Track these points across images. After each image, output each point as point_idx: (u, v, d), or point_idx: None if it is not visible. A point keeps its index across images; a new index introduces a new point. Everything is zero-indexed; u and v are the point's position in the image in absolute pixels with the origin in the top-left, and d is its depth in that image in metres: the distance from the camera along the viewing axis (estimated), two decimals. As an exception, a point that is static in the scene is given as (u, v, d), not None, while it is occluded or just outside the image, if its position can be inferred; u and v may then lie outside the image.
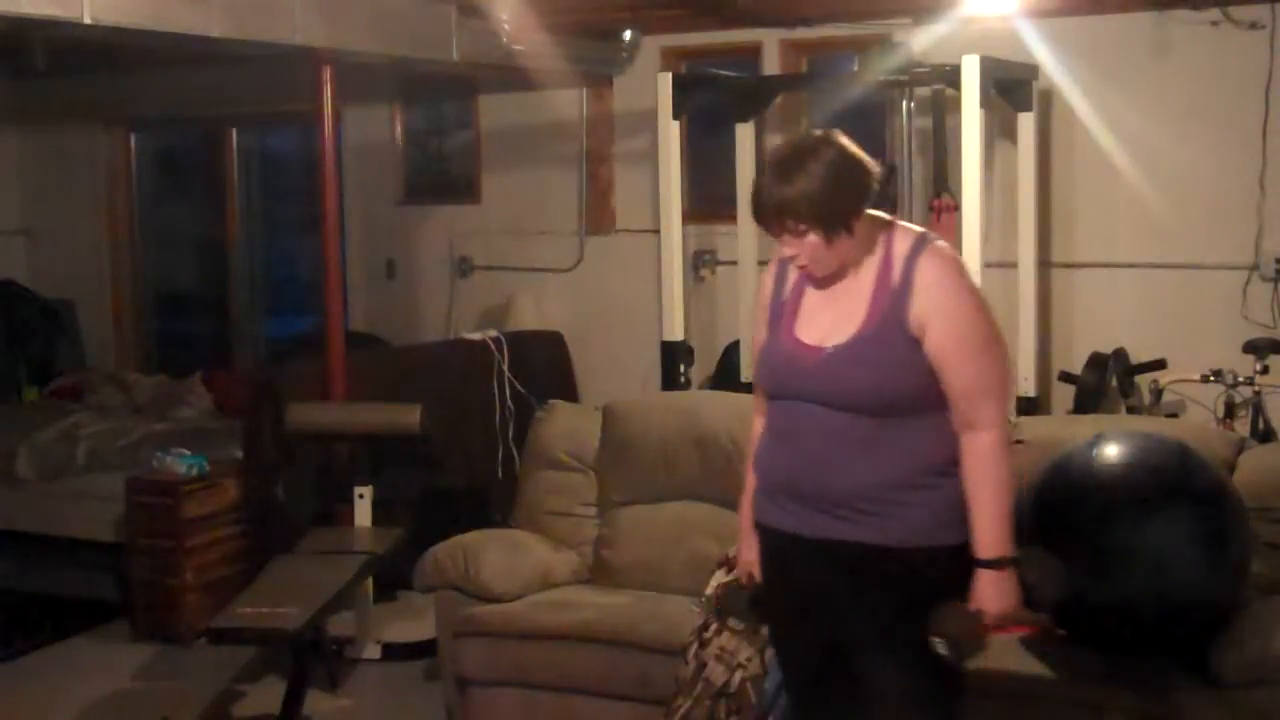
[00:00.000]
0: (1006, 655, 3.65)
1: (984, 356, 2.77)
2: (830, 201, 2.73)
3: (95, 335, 8.09)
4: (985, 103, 5.07)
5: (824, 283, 2.85)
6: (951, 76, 5.12)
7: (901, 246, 2.80)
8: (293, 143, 8.08)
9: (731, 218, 5.91)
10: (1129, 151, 5.64)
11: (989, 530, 2.74)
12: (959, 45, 5.39)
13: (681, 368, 5.73)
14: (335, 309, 5.45)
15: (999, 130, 5.72)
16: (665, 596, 4.23)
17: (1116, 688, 3.44)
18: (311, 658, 4.62)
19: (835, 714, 2.89)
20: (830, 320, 2.82)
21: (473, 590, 4.28)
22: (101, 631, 5.60)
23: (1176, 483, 3.56)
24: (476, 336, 6.27)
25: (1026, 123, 5.55)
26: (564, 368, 6.64)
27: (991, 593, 2.75)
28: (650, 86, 5.87)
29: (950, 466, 2.78)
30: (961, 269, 2.83)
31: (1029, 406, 5.48)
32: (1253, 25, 5.41)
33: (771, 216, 2.76)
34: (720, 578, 3.88)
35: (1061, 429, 4.18)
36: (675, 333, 5.75)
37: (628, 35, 6.32)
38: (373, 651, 5.18)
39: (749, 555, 3.07)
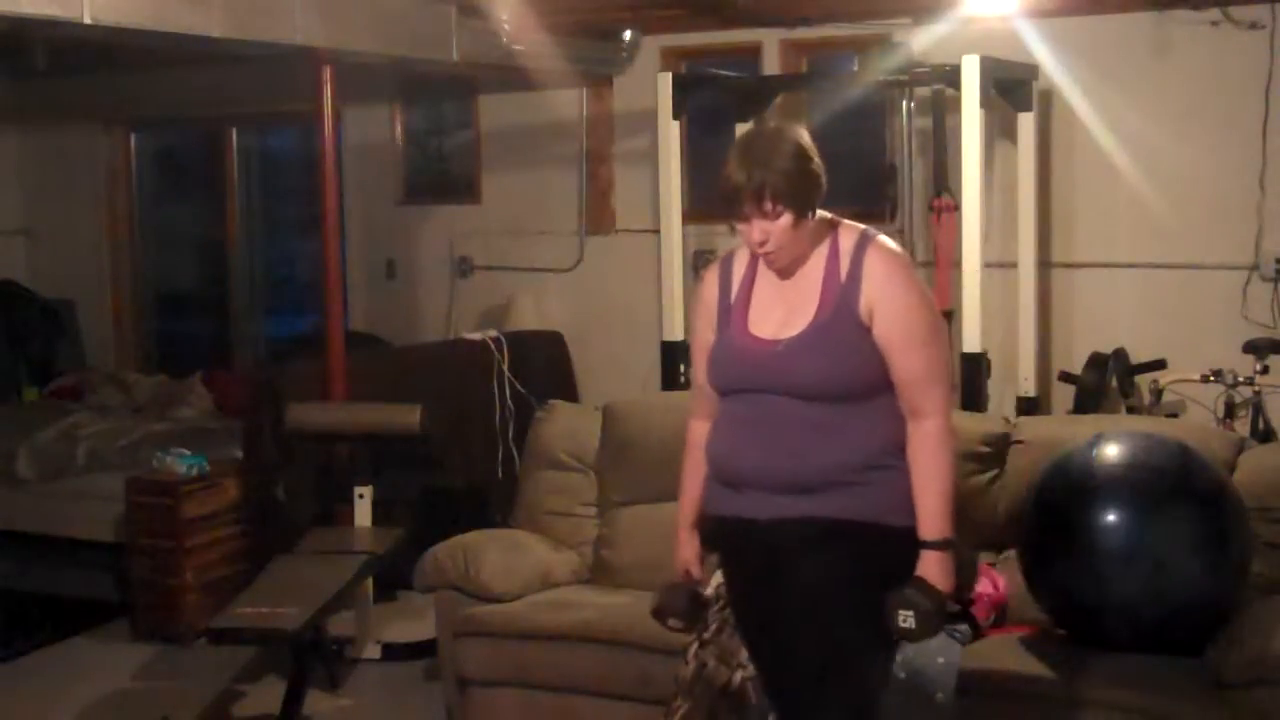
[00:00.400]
0: (1006, 655, 3.66)
1: (930, 346, 2.87)
2: (802, 181, 2.84)
3: (95, 335, 8.09)
4: (985, 103, 5.07)
5: (775, 277, 2.94)
6: (951, 76, 5.12)
7: (847, 242, 2.91)
8: (293, 143, 8.09)
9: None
10: (1129, 151, 5.64)
11: (936, 513, 2.84)
12: (959, 45, 5.40)
13: (681, 368, 5.73)
14: (335, 309, 5.46)
15: (999, 130, 5.72)
16: (665, 596, 4.23)
17: (1116, 688, 3.44)
18: (311, 658, 4.62)
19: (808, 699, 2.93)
20: (782, 315, 2.91)
21: (473, 590, 4.28)
22: (101, 631, 5.60)
23: (1176, 483, 3.57)
24: (476, 336, 6.27)
25: (1026, 123, 5.55)
26: (564, 368, 6.64)
27: (937, 572, 2.84)
28: (650, 86, 5.87)
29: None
30: (907, 262, 2.95)
31: (1029, 406, 5.48)
32: (1253, 25, 5.41)
33: (750, 197, 2.82)
34: (720, 578, 3.87)
35: (1061, 429, 4.18)
36: (675, 333, 5.75)
37: (628, 35, 6.32)
38: (373, 651, 5.18)
39: (686, 554, 3.20)
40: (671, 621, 3.23)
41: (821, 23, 6.10)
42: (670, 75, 5.79)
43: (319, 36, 4.91)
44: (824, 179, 2.88)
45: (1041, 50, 5.62)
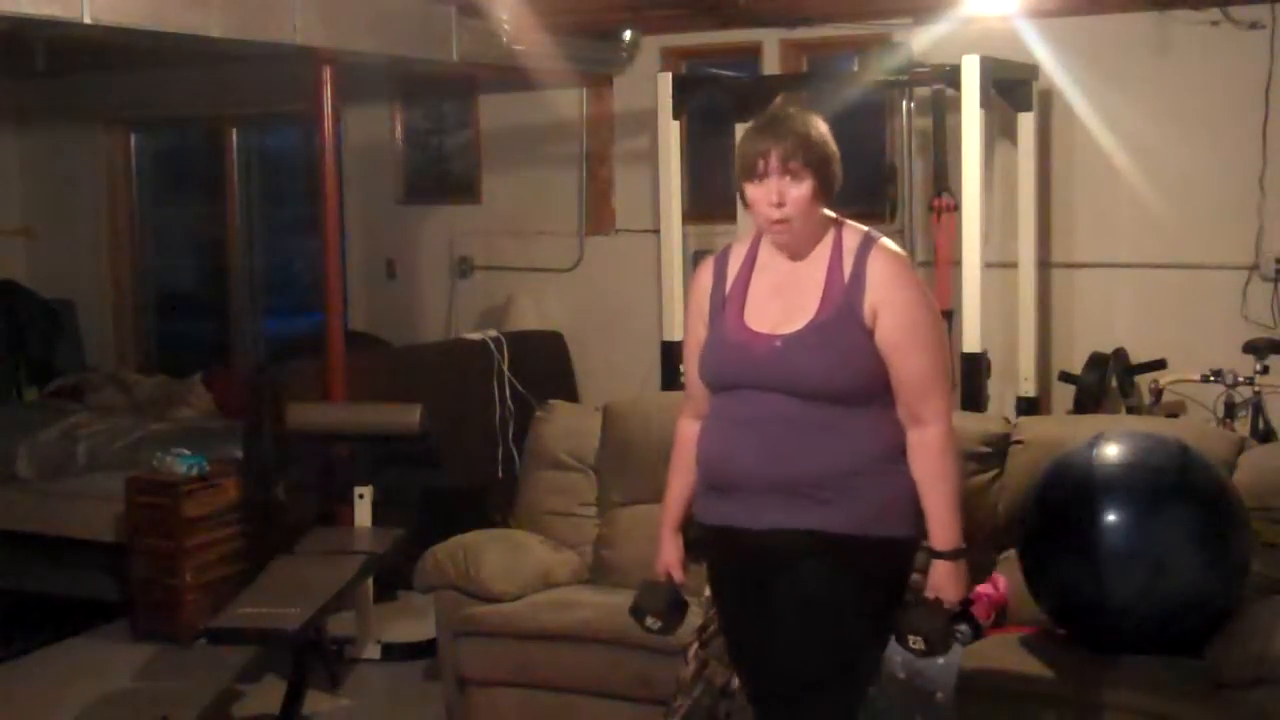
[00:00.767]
0: (1006, 655, 3.65)
1: (932, 351, 2.85)
2: (829, 156, 2.85)
3: (95, 335, 8.09)
4: (985, 103, 5.07)
5: (772, 272, 2.91)
6: (951, 76, 5.13)
7: (851, 242, 2.89)
8: (293, 143, 8.08)
9: (731, 218, 5.90)
10: (1129, 151, 5.64)
11: (945, 523, 2.82)
12: (959, 45, 5.40)
13: (681, 368, 5.73)
14: (335, 309, 5.46)
15: (999, 130, 5.72)
16: (665, 596, 4.23)
17: (1117, 688, 3.43)
18: (311, 658, 4.62)
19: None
20: (780, 310, 2.87)
21: (473, 590, 4.28)
22: (101, 631, 5.60)
23: (1176, 483, 3.57)
24: (476, 336, 6.27)
25: (1026, 123, 5.55)
26: (564, 368, 6.64)
27: (949, 583, 2.83)
28: (650, 86, 5.87)
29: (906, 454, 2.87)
30: (910, 266, 2.93)
31: (1029, 406, 5.49)
32: (1253, 25, 5.41)
33: (779, 155, 2.79)
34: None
35: (1061, 429, 4.18)
36: (675, 333, 5.74)
37: (628, 35, 6.32)
38: (373, 651, 5.18)
39: (669, 557, 3.14)
40: (649, 621, 3.16)
41: (821, 23, 6.11)
42: (670, 75, 5.80)
43: (319, 36, 4.91)
44: (841, 172, 2.89)
45: (1041, 50, 5.62)
